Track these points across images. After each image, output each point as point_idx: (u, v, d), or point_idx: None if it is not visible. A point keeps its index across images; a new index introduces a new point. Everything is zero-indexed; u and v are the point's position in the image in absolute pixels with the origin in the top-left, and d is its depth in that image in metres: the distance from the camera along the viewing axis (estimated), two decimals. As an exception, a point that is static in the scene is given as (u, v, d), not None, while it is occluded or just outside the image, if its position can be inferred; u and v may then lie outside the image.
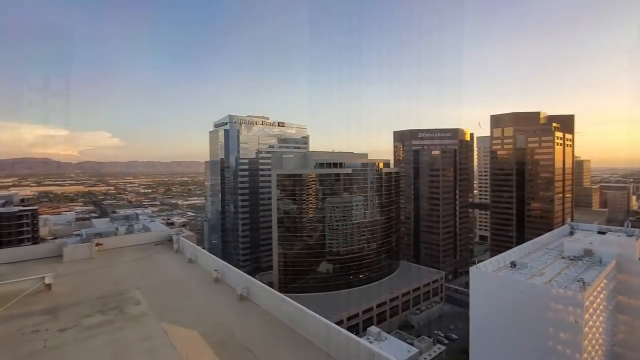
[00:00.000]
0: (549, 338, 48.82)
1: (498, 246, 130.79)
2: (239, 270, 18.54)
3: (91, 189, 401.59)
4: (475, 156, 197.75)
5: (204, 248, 24.95)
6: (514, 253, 65.70)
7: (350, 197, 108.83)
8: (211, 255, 22.35)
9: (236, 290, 16.41)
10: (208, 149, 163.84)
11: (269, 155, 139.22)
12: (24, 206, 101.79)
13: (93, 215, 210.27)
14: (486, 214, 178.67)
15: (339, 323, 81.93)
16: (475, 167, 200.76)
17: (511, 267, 58.84)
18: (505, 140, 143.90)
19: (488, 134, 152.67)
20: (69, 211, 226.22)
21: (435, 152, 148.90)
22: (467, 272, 73.07)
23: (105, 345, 7.34)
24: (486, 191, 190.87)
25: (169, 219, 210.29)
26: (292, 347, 12.29)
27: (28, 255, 24.00)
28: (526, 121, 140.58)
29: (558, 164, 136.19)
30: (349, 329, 73.50)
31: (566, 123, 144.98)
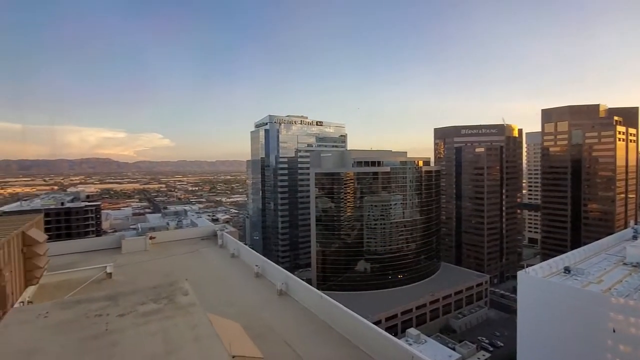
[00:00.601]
0: (606, 350, 44.90)
1: (550, 250, 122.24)
2: (278, 266, 19.11)
3: (145, 186, 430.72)
4: (524, 153, 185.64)
5: (245, 244, 25.95)
6: (568, 258, 61.01)
7: (389, 196, 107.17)
8: (252, 250, 23.18)
9: (276, 286, 16.96)
10: (250, 148, 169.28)
11: (308, 154, 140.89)
12: (89, 202, 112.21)
13: (147, 210, 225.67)
14: (536, 215, 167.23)
15: (377, 323, 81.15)
16: (524, 165, 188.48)
17: (565, 272, 54.75)
18: (558, 136, 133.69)
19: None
20: (126, 207, 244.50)
21: (480, 149, 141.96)
22: (515, 277, 69.07)
23: (158, 331, 7.97)
24: (537, 191, 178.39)
25: (213, 216, 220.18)
26: (330, 344, 12.50)
27: (93, 246, 26.39)
28: (583, 115, 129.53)
29: (620, 161, 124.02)
30: (387, 329, 72.66)
31: (629, 116, 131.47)
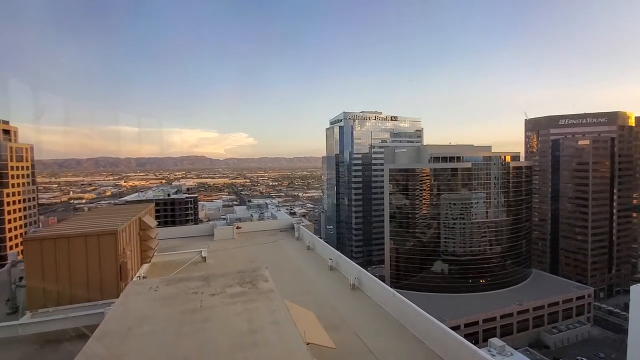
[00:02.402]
0: None
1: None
2: (351, 261, 19.45)
3: (233, 181, 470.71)
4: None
5: (320, 237, 26.96)
6: None
7: (470, 194, 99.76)
8: (327, 244, 23.97)
9: (348, 280, 17.32)
10: (325, 144, 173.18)
11: (382, 150, 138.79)
12: (189, 194, 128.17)
13: (234, 203, 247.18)
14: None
15: (455, 328, 76.62)
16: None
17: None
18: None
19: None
20: (218, 199, 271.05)
21: (584, 142, 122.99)
22: (627, 291, 58.78)
23: (243, 312, 8.85)
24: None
25: (291, 209, 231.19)
26: (401, 342, 12.37)
27: (191, 233, 30.38)
28: None
29: None
30: (466, 336, 68.12)
31: None
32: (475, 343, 72.28)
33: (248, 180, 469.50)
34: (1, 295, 14.91)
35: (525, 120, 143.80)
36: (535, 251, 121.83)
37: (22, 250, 14.49)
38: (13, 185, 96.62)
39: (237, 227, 29.67)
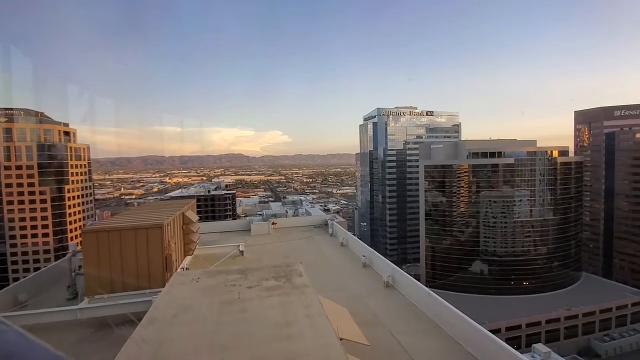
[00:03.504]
0: None
1: None
2: (385, 259, 19.33)
3: (269, 178, 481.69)
4: None
5: (354, 234, 27.01)
6: None
7: (512, 191, 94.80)
8: (360, 241, 23.99)
9: (382, 277, 17.23)
10: (358, 141, 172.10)
11: (417, 146, 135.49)
12: (227, 191, 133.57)
13: (270, 199, 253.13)
14: None
15: (495, 332, 73.56)
16: None
17: None
18: None
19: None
20: (254, 195, 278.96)
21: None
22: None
23: (278, 305, 9.16)
24: None
25: (325, 206, 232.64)
26: (436, 342, 12.16)
27: (230, 227, 31.75)
28: None
29: None
30: (507, 340, 65.21)
31: None
32: (517, 348, 68.93)
33: (283, 177, 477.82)
34: (63, 282, 16.48)
35: (575, 112, 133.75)
36: (586, 253, 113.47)
37: (80, 241, 15.94)
38: (73, 182, 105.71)
39: (273, 223, 30.51)
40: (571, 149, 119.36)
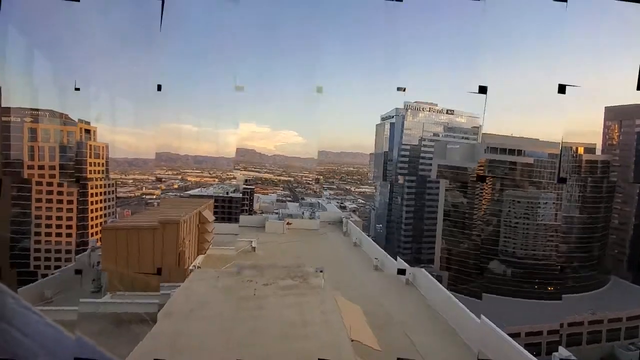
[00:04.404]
0: None
1: None
2: (394, 261, 19.22)
3: (279, 177, 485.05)
4: None
5: (368, 235, 26.98)
6: None
7: (537, 193, 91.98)
8: (373, 242, 23.95)
9: (395, 279, 17.11)
10: (374, 140, 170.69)
11: (432, 143, 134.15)
12: (247, 186, 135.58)
13: (287, 199, 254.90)
14: None
15: (514, 336, 71.70)
16: None
17: None
18: None
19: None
20: (273, 193, 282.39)
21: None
22: None
23: (294, 304, 9.25)
24: None
25: (342, 203, 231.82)
26: (453, 349, 11.98)
27: (246, 223, 32.08)
28: None
29: None
30: (527, 346, 63.38)
31: None
32: (537, 355, 66.78)
33: (298, 177, 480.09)
34: (88, 276, 17.14)
35: (606, 108, 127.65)
36: (614, 257, 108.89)
37: (100, 238, 16.59)
38: (94, 180, 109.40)
39: (288, 223, 30.59)
40: (599, 147, 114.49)
